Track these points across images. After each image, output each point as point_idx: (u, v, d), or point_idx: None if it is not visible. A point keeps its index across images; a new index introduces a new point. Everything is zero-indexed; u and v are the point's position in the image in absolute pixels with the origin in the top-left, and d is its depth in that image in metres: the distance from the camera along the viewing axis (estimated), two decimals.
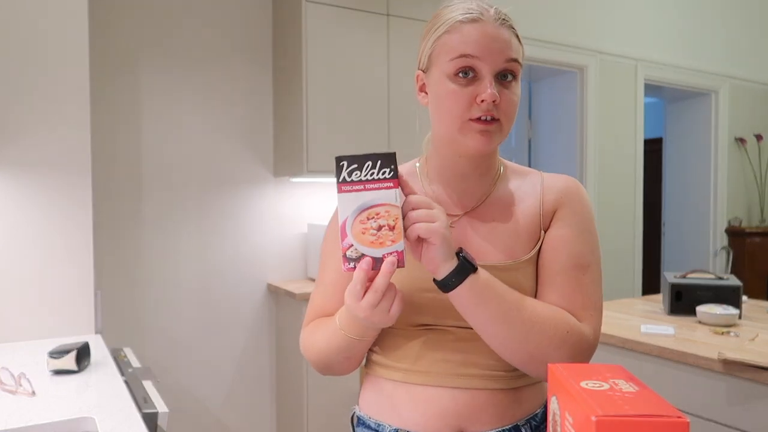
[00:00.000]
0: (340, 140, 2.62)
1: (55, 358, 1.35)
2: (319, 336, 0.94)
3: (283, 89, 2.71)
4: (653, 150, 5.10)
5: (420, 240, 0.78)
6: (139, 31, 2.50)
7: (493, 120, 0.86)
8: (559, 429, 0.56)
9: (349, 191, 0.76)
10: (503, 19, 0.89)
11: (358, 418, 0.97)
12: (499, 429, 0.87)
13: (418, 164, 1.01)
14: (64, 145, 1.71)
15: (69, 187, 1.72)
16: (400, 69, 2.75)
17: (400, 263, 0.76)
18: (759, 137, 4.67)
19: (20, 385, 1.23)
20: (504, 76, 0.86)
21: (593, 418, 0.47)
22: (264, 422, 2.81)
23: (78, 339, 1.67)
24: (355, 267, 0.76)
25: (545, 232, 0.92)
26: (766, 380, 1.45)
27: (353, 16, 2.63)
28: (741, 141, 4.58)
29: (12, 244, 1.65)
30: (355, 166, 0.76)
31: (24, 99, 1.66)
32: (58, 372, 1.36)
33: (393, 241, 0.75)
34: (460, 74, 0.86)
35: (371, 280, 0.78)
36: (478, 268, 0.80)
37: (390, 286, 0.78)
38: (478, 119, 0.85)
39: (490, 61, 0.85)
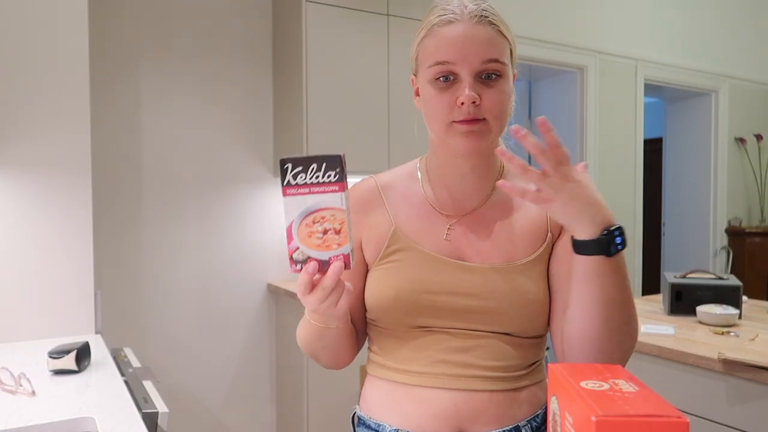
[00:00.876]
0: (340, 140, 2.62)
1: (55, 358, 1.35)
2: (302, 326, 0.95)
3: (283, 89, 2.71)
4: (653, 150, 5.10)
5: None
6: (139, 32, 2.50)
7: (477, 120, 0.85)
8: (559, 429, 0.56)
9: (294, 194, 0.75)
10: (481, 16, 0.85)
11: (359, 418, 0.97)
12: (500, 430, 0.87)
13: (418, 165, 1.01)
14: (64, 145, 1.71)
15: (69, 187, 1.72)
16: (400, 69, 2.75)
17: (346, 266, 0.76)
18: (759, 137, 4.67)
19: (20, 385, 1.23)
20: (487, 76, 0.85)
21: (593, 418, 0.47)
22: (264, 422, 2.81)
23: (78, 339, 1.67)
24: (301, 269, 0.76)
25: (553, 236, 0.92)
26: (766, 380, 1.45)
27: (353, 16, 2.63)
28: (741, 141, 4.58)
29: (12, 244, 1.65)
30: (300, 168, 0.75)
31: (24, 99, 1.66)
32: (58, 372, 1.36)
33: (339, 245, 0.75)
34: (440, 78, 0.86)
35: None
36: (617, 254, 0.78)
37: (338, 283, 0.78)
38: (462, 121, 0.85)
39: (467, 64, 0.84)
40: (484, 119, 0.85)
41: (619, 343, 0.83)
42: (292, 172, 0.75)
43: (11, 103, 1.65)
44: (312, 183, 0.75)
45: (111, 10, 2.44)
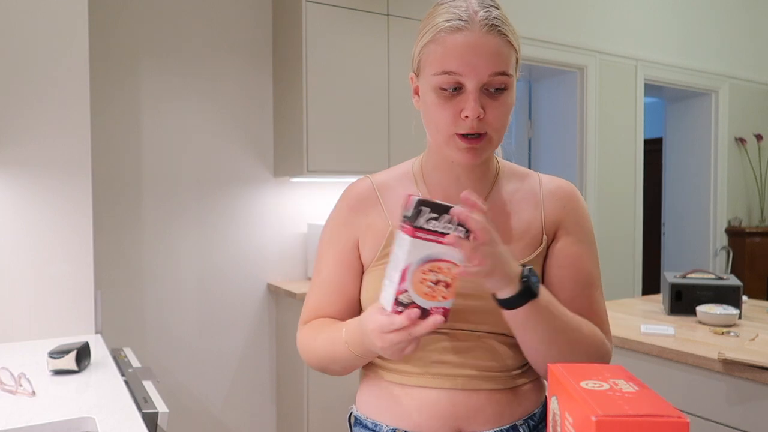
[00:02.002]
0: (340, 140, 2.62)
1: (55, 358, 1.35)
2: (320, 341, 0.93)
3: (283, 89, 2.71)
4: (653, 150, 5.10)
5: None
6: (139, 32, 2.50)
7: (480, 135, 0.84)
8: (559, 429, 0.56)
9: (422, 239, 0.74)
10: (492, 25, 0.82)
11: (356, 418, 0.97)
12: (497, 429, 0.88)
13: (414, 165, 1.00)
14: (65, 146, 1.71)
15: (69, 187, 1.72)
16: (400, 69, 2.75)
17: (444, 320, 0.76)
18: (759, 137, 4.67)
19: (20, 385, 1.23)
20: (495, 90, 0.83)
21: (593, 418, 0.47)
22: (264, 422, 2.81)
23: (78, 339, 1.67)
24: (401, 312, 0.75)
25: (548, 239, 0.92)
26: (766, 380, 1.45)
27: (353, 16, 2.63)
28: (741, 141, 4.58)
29: (12, 244, 1.65)
30: (435, 215, 0.74)
31: (25, 99, 1.66)
32: (58, 372, 1.36)
33: (444, 298, 0.76)
34: (446, 89, 0.84)
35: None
36: (540, 291, 0.80)
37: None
38: (464, 136, 0.84)
39: (474, 76, 0.81)
40: (486, 133, 0.84)
41: (575, 361, 0.85)
42: (426, 216, 0.73)
43: (12, 103, 1.64)
44: (442, 233, 0.74)
45: (111, 11, 2.44)
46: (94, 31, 2.38)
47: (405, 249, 0.74)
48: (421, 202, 0.74)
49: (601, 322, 0.92)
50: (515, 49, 0.86)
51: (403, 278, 0.74)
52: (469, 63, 0.81)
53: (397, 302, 0.75)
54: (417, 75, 0.91)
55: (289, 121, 2.64)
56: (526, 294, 0.78)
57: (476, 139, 0.84)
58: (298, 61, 2.55)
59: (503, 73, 0.83)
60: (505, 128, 0.87)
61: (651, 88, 4.26)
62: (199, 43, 2.62)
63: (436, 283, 0.75)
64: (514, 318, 0.81)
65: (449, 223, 0.74)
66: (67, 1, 1.71)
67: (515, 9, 3.35)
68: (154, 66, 2.53)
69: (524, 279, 0.78)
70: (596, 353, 0.88)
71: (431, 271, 0.75)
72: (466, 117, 0.82)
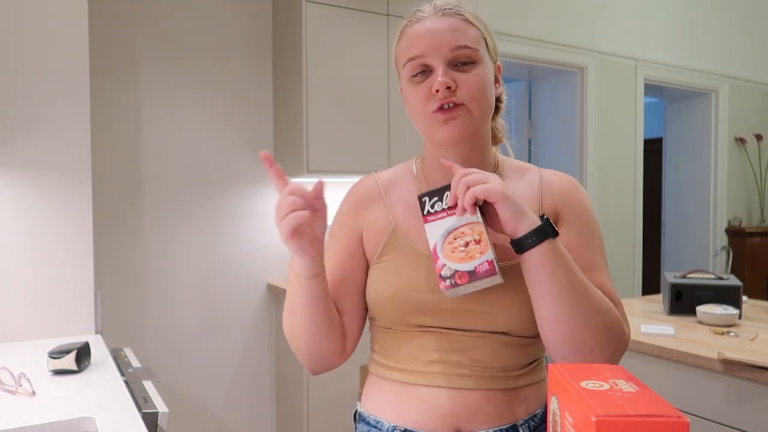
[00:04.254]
0: (340, 140, 2.62)
1: (55, 358, 1.35)
2: (288, 309, 0.94)
3: (283, 89, 2.71)
4: (653, 150, 5.10)
5: (487, 205, 0.81)
6: (139, 31, 2.50)
7: (456, 105, 0.86)
8: (559, 429, 0.56)
9: (434, 220, 0.83)
10: (447, 8, 0.89)
11: (360, 415, 0.99)
12: (497, 428, 0.88)
13: (415, 164, 1.02)
14: (65, 145, 1.71)
15: (69, 187, 1.72)
16: None
17: (491, 271, 0.79)
18: (759, 137, 4.67)
19: (20, 385, 1.23)
20: (463, 63, 0.87)
21: (593, 418, 0.47)
22: (264, 422, 2.81)
23: (78, 339, 1.67)
24: (451, 285, 0.80)
25: None
26: (766, 380, 1.45)
27: (353, 16, 2.63)
28: (741, 141, 4.58)
29: (12, 244, 1.65)
30: (436, 198, 0.84)
31: (24, 99, 1.66)
32: (58, 372, 1.36)
33: (481, 253, 0.80)
34: (417, 75, 0.89)
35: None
36: (557, 240, 0.80)
37: (315, 204, 0.86)
38: (440, 109, 0.86)
39: (437, 54, 0.87)
40: (463, 104, 0.86)
41: (596, 337, 0.81)
42: (430, 203, 0.84)
43: (12, 103, 1.65)
44: (448, 207, 0.83)
45: (111, 10, 2.44)
46: (94, 31, 2.38)
47: (427, 236, 0.84)
48: (421, 196, 0.85)
49: (616, 302, 0.87)
50: (479, 29, 0.90)
51: (436, 257, 0.82)
52: (429, 43, 0.87)
53: (442, 278, 0.81)
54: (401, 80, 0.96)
55: (289, 121, 2.64)
56: (545, 229, 0.79)
57: (452, 109, 0.86)
58: (298, 61, 2.55)
59: (466, 47, 0.87)
60: (485, 101, 0.89)
61: (651, 88, 4.26)
62: (199, 42, 2.62)
63: (467, 245, 0.80)
64: (531, 262, 0.79)
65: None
66: (67, 1, 1.71)
67: (515, 9, 3.35)
68: (154, 66, 2.53)
69: (543, 216, 0.81)
70: (612, 332, 0.83)
71: (456, 238, 0.81)
72: (437, 91, 0.85)
